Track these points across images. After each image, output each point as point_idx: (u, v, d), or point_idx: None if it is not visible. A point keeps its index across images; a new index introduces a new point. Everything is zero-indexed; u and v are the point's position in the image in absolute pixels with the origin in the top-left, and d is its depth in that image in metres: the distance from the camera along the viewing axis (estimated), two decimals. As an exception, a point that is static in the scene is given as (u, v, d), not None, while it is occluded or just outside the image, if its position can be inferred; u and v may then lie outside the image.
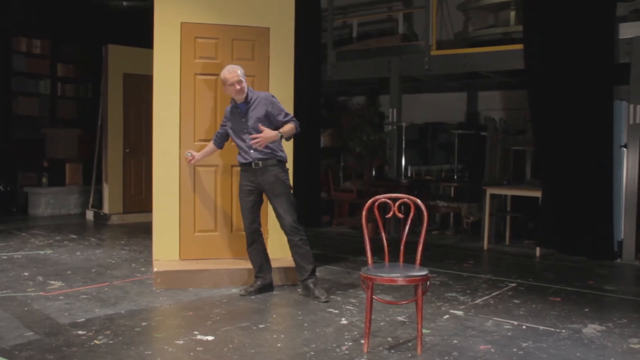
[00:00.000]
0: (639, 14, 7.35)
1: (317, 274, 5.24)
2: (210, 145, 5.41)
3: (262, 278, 5.27)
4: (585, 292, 5.51)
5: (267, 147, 5.01)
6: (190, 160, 5.42)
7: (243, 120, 5.09)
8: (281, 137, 5.05)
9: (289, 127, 5.09)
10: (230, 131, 5.20)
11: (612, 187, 6.94)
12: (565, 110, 7.01)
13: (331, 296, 5.14)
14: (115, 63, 9.34)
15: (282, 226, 5.13)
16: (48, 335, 4.03)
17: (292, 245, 5.12)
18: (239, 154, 5.16)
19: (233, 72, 5.04)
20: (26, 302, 4.80)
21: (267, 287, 5.29)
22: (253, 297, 5.13)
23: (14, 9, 10.04)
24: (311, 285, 5.09)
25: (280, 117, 5.11)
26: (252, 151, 5.03)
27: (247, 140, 5.04)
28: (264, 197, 5.20)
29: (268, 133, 4.97)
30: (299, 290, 5.31)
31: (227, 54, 5.73)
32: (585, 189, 6.95)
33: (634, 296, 5.43)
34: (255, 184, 5.09)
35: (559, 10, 7.03)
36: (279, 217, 5.13)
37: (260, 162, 5.03)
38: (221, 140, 5.36)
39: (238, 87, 5.03)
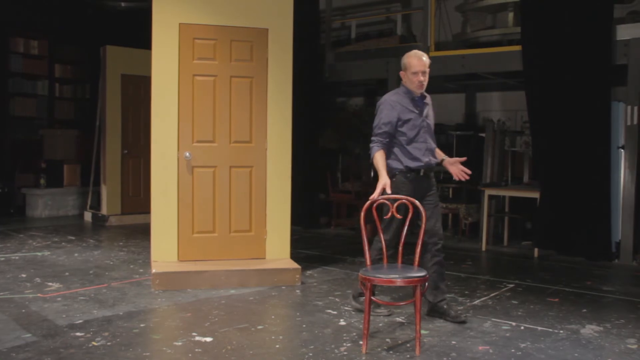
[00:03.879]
0: (636, 16, 7.37)
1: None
2: (382, 154, 4.40)
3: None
4: (583, 293, 5.52)
5: (432, 152, 4.54)
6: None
7: (423, 117, 4.49)
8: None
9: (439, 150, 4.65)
10: (403, 129, 4.42)
11: (610, 188, 6.95)
12: (563, 111, 7.02)
13: (329, 297, 5.15)
14: (114, 64, 9.33)
15: (430, 239, 4.43)
16: (45, 337, 4.02)
17: (435, 263, 4.47)
18: (403, 157, 4.43)
19: (420, 58, 4.41)
20: (24, 304, 4.80)
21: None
22: (251, 298, 5.12)
23: (11, 9, 10.03)
24: (445, 306, 4.53)
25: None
26: (430, 157, 4.49)
27: (429, 142, 4.47)
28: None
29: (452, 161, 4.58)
30: (297, 291, 5.30)
31: (226, 55, 5.73)
32: (583, 190, 6.97)
33: (632, 297, 5.44)
34: (412, 193, 4.32)
35: (557, 11, 7.04)
36: (431, 229, 4.42)
37: (429, 169, 4.48)
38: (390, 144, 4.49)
39: (422, 78, 4.41)
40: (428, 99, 4.61)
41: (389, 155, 4.46)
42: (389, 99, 4.53)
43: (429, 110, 4.59)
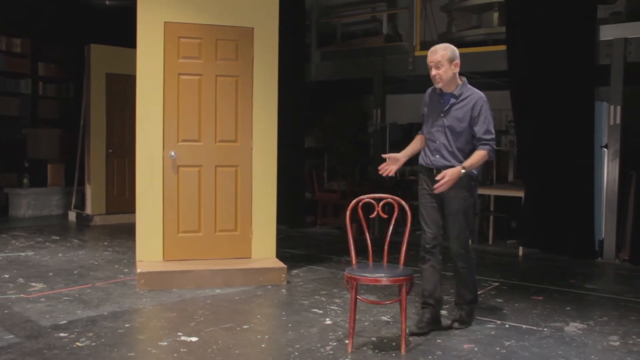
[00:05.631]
0: (619, 17, 7.44)
1: (475, 305, 4.50)
2: (417, 138, 4.44)
3: (432, 307, 4.32)
4: (567, 291, 5.57)
5: (454, 154, 4.18)
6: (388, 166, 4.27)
7: (442, 114, 4.23)
8: (464, 172, 4.07)
9: (477, 158, 4.11)
10: (424, 123, 4.38)
11: (593, 187, 7.01)
12: (548, 111, 7.07)
13: (315, 296, 5.15)
14: (98, 63, 9.27)
15: (448, 248, 4.40)
16: (29, 338, 3.98)
17: (454, 270, 4.47)
18: (422, 152, 4.38)
19: (433, 51, 4.17)
20: (6, 305, 4.75)
21: (437, 322, 4.34)
22: (237, 298, 5.11)
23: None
24: (460, 312, 4.43)
25: (479, 132, 4.14)
26: (437, 156, 4.24)
27: (438, 140, 4.23)
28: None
29: (452, 171, 4.03)
30: (283, 291, 5.31)
31: (211, 54, 5.71)
32: (567, 189, 7.03)
33: (614, 294, 5.50)
34: (428, 190, 4.28)
35: (541, 12, 7.09)
36: (448, 237, 4.36)
37: (442, 170, 4.11)
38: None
39: (433, 72, 4.16)
40: (465, 98, 4.19)
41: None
42: (427, 91, 4.46)
43: (457, 110, 4.19)
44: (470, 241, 4.38)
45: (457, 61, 4.19)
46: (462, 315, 4.42)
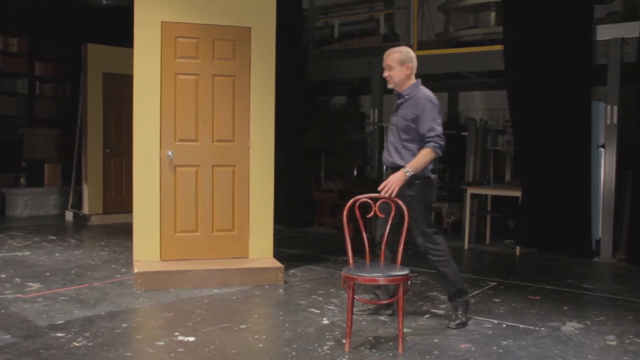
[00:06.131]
0: (616, 17, 7.46)
1: (465, 298, 4.49)
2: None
3: (377, 296, 4.60)
4: (564, 291, 5.58)
5: (399, 152, 4.36)
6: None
7: (395, 114, 4.46)
8: (409, 174, 4.18)
9: (420, 157, 4.22)
10: None
11: (590, 186, 7.02)
12: (545, 110, 7.08)
13: (312, 296, 5.15)
14: (95, 62, 9.25)
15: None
16: (26, 338, 3.98)
17: (434, 267, 4.55)
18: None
19: (388, 53, 4.41)
20: (3, 305, 4.74)
21: (383, 307, 4.55)
22: (234, 297, 5.11)
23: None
24: (455, 311, 4.47)
25: (422, 130, 4.26)
26: (386, 154, 4.46)
27: (392, 139, 4.43)
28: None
29: (396, 176, 4.16)
30: (280, 290, 5.31)
31: (208, 54, 5.70)
32: (564, 189, 7.04)
33: (611, 294, 5.51)
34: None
35: (538, 12, 7.10)
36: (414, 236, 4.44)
37: (393, 167, 4.35)
38: None
39: (385, 73, 4.40)
40: (410, 97, 4.38)
41: None
42: None
43: (404, 109, 4.38)
44: (435, 234, 4.40)
45: (409, 64, 4.39)
46: (457, 315, 4.42)
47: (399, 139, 4.40)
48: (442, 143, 4.28)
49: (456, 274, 4.46)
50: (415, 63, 4.42)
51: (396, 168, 4.31)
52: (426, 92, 4.38)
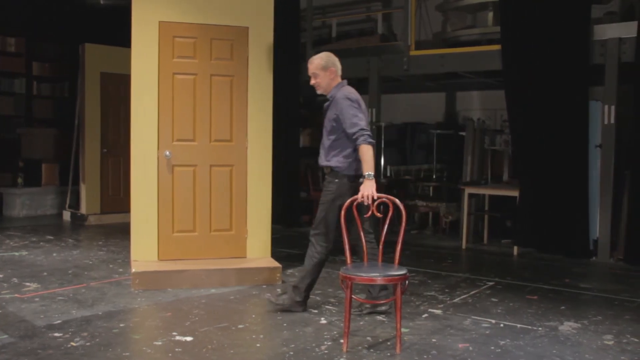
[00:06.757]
0: (613, 16, 7.46)
1: (295, 296, 4.65)
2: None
3: (370, 293, 4.67)
4: (562, 290, 5.58)
5: (326, 152, 4.52)
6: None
7: (325, 116, 4.59)
8: (370, 176, 4.20)
9: (364, 157, 4.26)
10: None
11: (588, 186, 7.03)
12: (542, 110, 7.09)
13: (310, 296, 5.14)
14: (93, 62, 9.24)
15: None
16: (23, 338, 3.97)
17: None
18: None
19: (310, 61, 4.56)
20: (0, 305, 4.73)
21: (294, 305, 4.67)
22: (232, 297, 5.11)
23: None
24: (288, 291, 4.74)
25: (346, 129, 4.36)
26: (320, 156, 4.59)
27: (322, 140, 4.59)
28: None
29: (364, 185, 4.16)
30: (278, 290, 5.31)
31: (206, 54, 5.70)
32: (562, 189, 7.04)
33: (609, 294, 5.51)
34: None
35: (535, 11, 7.10)
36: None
37: (324, 169, 4.61)
38: None
39: (312, 81, 4.57)
40: (332, 99, 4.51)
41: None
42: None
43: (329, 110, 4.52)
44: (319, 236, 4.54)
45: (333, 68, 4.54)
46: (280, 296, 4.65)
47: (326, 140, 4.54)
48: (369, 133, 4.36)
49: (310, 276, 4.60)
50: (338, 65, 4.58)
51: (324, 168, 4.58)
52: (345, 90, 4.49)
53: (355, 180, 4.44)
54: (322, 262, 4.61)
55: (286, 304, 4.65)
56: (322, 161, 4.58)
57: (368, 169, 4.23)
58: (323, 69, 4.52)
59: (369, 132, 4.34)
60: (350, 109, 4.37)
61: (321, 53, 4.66)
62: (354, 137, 4.32)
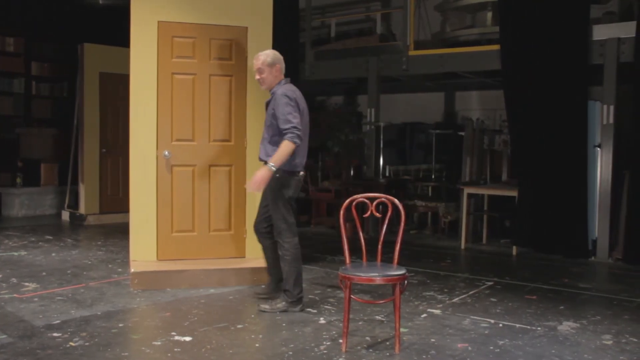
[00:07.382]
0: (612, 17, 7.47)
1: (288, 298, 4.70)
2: None
3: (273, 276, 4.97)
4: (561, 290, 5.59)
5: (265, 147, 4.63)
6: None
7: (266, 112, 4.73)
8: (274, 167, 4.43)
9: (279, 150, 4.43)
10: None
11: (587, 186, 7.03)
12: (541, 110, 7.09)
13: (309, 296, 5.14)
14: (91, 62, 9.24)
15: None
16: (22, 338, 3.97)
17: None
18: None
19: (256, 57, 4.69)
20: None
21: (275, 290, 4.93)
22: (231, 297, 5.11)
23: (-15, 6, 9.89)
24: (280, 296, 4.81)
25: (280, 125, 4.49)
26: (260, 151, 4.71)
27: (263, 135, 4.71)
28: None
29: (260, 172, 4.44)
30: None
31: (205, 54, 5.70)
32: (561, 189, 7.05)
33: (608, 294, 5.52)
34: None
35: (535, 11, 7.11)
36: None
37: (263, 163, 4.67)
38: None
39: (257, 76, 4.69)
40: (273, 96, 4.63)
41: None
42: None
43: (269, 107, 4.65)
44: (286, 231, 4.64)
45: (279, 65, 4.68)
46: (274, 303, 4.68)
47: (267, 135, 4.65)
48: (299, 133, 4.46)
49: (293, 275, 4.62)
50: (283, 64, 4.71)
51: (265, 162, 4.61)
52: (285, 88, 4.61)
53: (296, 174, 4.65)
54: (297, 255, 4.67)
55: (283, 309, 4.66)
56: (263, 156, 4.66)
57: (275, 160, 4.43)
58: (269, 65, 4.63)
59: (299, 132, 4.46)
60: (286, 106, 4.49)
61: (267, 50, 4.78)
62: (284, 132, 4.44)
